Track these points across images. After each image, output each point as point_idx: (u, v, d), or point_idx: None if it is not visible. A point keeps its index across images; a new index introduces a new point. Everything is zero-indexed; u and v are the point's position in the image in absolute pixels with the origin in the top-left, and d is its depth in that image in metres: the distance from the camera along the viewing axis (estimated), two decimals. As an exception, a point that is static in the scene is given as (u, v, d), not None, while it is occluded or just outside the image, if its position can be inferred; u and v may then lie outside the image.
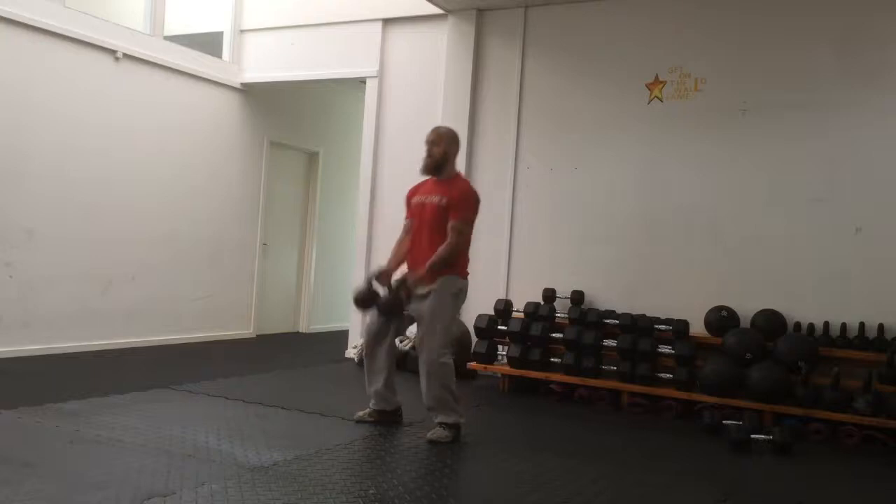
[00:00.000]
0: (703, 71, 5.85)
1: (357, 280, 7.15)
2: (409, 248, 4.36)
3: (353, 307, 7.11)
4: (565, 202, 6.31)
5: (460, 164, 6.48)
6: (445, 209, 4.19)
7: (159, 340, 7.13)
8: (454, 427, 4.14)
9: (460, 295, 4.26)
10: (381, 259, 6.99)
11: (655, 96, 6.01)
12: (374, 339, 4.33)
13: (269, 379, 5.79)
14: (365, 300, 4.31)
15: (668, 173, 5.96)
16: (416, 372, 4.22)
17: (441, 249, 4.13)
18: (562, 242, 6.28)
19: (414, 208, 4.38)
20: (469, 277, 4.34)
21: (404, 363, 5.72)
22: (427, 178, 4.41)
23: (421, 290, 4.17)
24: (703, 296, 5.61)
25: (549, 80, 6.43)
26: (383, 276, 4.30)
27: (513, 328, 5.80)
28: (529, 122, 6.48)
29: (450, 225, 4.16)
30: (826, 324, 5.28)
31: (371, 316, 4.38)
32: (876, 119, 5.35)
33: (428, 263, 4.13)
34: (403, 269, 4.38)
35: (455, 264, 4.21)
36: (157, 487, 3.04)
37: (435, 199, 4.25)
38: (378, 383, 4.34)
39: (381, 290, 4.28)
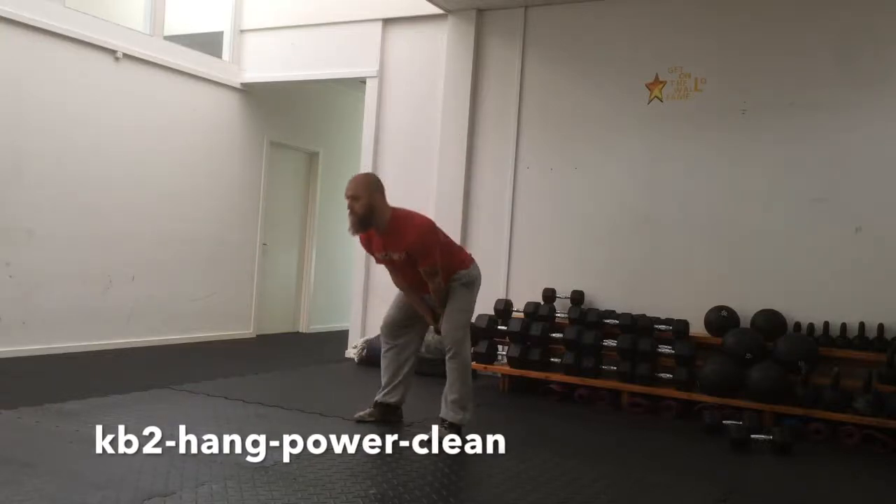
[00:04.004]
0: (703, 71, 5.84)
1: (358, 281, 7.20)
2: (402, 280, 4.30)
3: (352, 307, 7.23)
4: (565, 202, 6.30)
5: (460, 166, 6.58)
6: (412, 260, 4.06)
7: (159, 340, 7.13)
8: (455, 427, 4.13)
9: (473, 283, 4.23)
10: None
11: (655, 96, 6.01)
12: (396, 328, 4.36)
13: (269, 379, 5.79)
14: None
15: (668, 173, 5.96)
16: (423, 373, 4.23)
17: (434, 297, 4.14)
18: (562, 242, 6.28)
19: (383, 262, 4.28)
20: (475, 264, 4.34)
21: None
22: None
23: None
24: (703, 296, 5.61)
25: (549, 80, 6.43)
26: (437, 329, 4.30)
27: (513, 328, 5.79)
28: (529, 122, 6.48)
29: (422, 272, 4.07)
30: (826, 324, 5.28)
31: (390, 308, 4.40)
32: (876, 119, 5.35)
33: (441, 303, 4.16)
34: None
35: (452, 269, 4.18)
36: (157, 487, 3.04)
37: (395, 255, 4.11)
38: (400, 375, 4.35)
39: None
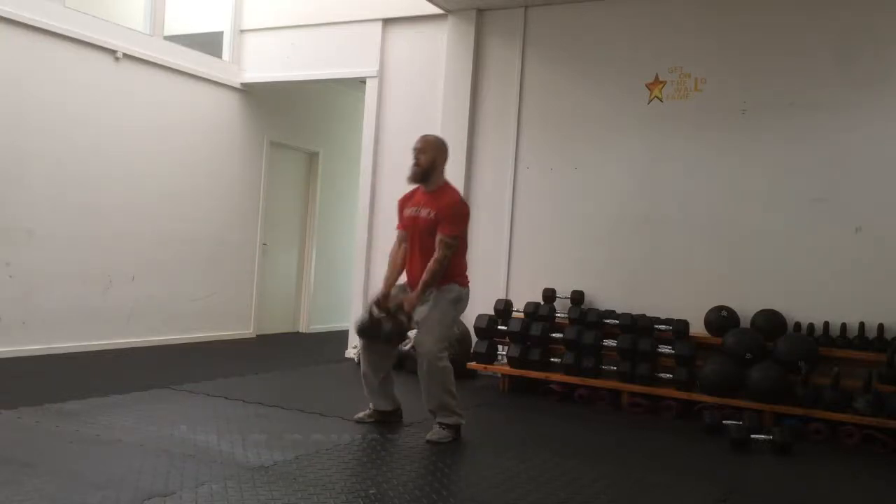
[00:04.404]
0: (703, 71, 5.85)
1: (358, 281, 7.20)
2: (408, 263, 4.31)
3: (352, 307, 7.23)
4: (565, 202, 6.30)
5: (461, 166, 6.57)
6: (435, 223, 4.14)
7: (159, 340, 7.13)
8: (454, 427, 4.15)
9: (460, 302, 4.24)
10: (381, 261, 7.02)
11: (655, 96, 6.01)
12: (369, 338, 4.32)
13: (269, 379, 5.79)
14: (368, 330, 4.23)
15: (668, 173, 5.96)
16: (415, 372, 4.22)
17: (430, 265, 4.09)
18: (562, 242, 6.28)
19: (406, 221, 4.33)
20: (470, 283, 4.33)
21: (404, 364, 5.71)
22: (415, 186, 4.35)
23: (421, 308, 4.15)
24: (703, 296, 5.61)
25: (549, 80, 6.43)
26: (382, 300, 4.22)
27: (513, 328, 5.80)
28: (529, 122, 6.48)
29: (438, 238, 4.11)
30: (826, 324, 5.28)
31: (364, 312, 4.37)
32: (876, 119, 5.35)
33: (420, 283, 4.10)
34: (403, 281, 4.36)
35: (450, 274, 4.18)
36: (157, 487, 3.04)
37: (424, 212, 4.20)
38: (375, 383, 4.35)
39: (383, 316, 4.17)
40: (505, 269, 6.45)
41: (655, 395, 5.33)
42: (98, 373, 5.66)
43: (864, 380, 4.80)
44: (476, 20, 6.63)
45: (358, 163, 7.46)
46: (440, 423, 4.14)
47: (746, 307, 5.47)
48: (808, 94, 5.52)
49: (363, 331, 4.25)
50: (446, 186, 4.33)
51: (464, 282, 4.29)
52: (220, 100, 7.75)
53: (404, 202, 4.40)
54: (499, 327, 5.92)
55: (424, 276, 4.09)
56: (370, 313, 4.22)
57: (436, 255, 4.10)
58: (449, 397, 4.15)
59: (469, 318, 6.16)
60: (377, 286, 6.82)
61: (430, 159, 4.25)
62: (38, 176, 6.10)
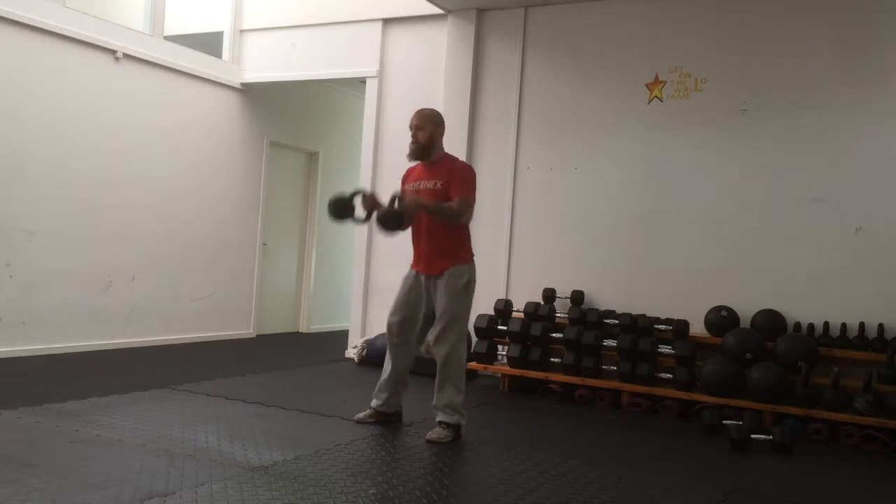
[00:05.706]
0: (703, 71, 5.85)
1: (358, 281, 7.20)
2: (414, 243, 4.28)
3: (352, 307, 7.23)
4: (565, 202, 6.31)
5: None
6: (444, 191, 4.09)
7: (159, 340, 7.13)
8: (454, 427, 4.14)
9: (470, 284, 4.19)
10: (381, 260, 7.04)
11: (655, 96, 6.01)
12: (400, 332, 4.27)
13: (269, 379, 5.79)
14: (341, 207, 4.20)
15: (668, 173, 5.96)
16: (421, 373, 4.21)
17: (448, 204, 4.04)
18: (562, 242, 6.29)
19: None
20: (474, 262, 4.31)
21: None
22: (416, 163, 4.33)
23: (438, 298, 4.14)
24: (703, 296, 5.62)
25: (549, 80, 6.43)
26: (368, 199, 4.23)
27: (513, 328, 5.80)
28: (529, 122, 6.49)
29: (457, 202, 4.06)
30: (826, 324, 5.28)
31: (393, 314, 4.29)
32: (876, 119, 5.36)
33: (431, 206, 4.05)
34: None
35: (459, 251, 4.17)
36: (157, 487, 3.04)
37: (429, 184, 4.16)
38: (392, 385, 4.33)
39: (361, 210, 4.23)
40: (505, 269, 6.45)
41: (655, 395, 5.33)
42: (98, 373, 5.66)
43: (864, 380, 4.80)
44: (476, 20, 6.64)
45: (358, 163, 7.46)
46: (441, 423, 4.14)
47: (746, 307, 5.47)
48: (808, 94, 5.52)
49: (335, 205, 4.23)
50: (447, 156, 4.30)
51: (470, 258, 4.25)
52: (220, 100, 7.75)
53: (404, 180, 4.37)
54: (499, 327, 5.92)
55: (436, 206, 4.04)
56: (351, 196, 4.23)
57: (454, 203, 4.04)
58: (457, 394, 4.15)
59: (469, 317, 6.16)
60: (378, 286, 6.93)
61: (428, 135, 4.21)
62: (38, 176, 6.10)
